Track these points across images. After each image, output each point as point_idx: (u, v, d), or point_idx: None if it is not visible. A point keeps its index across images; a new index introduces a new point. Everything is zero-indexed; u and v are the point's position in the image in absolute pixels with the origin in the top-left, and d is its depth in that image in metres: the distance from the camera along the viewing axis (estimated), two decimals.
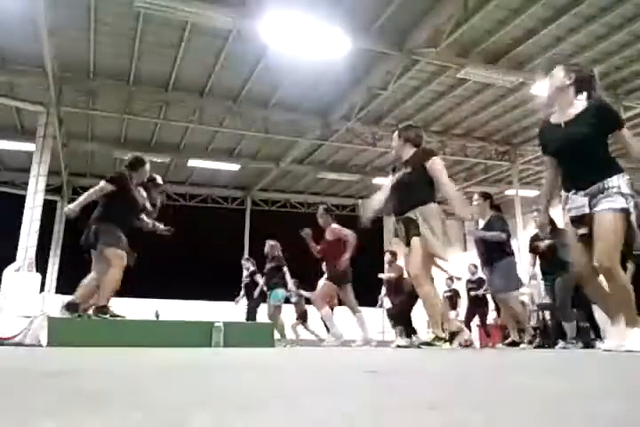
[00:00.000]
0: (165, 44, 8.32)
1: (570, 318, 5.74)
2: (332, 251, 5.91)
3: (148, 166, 4.93)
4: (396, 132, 4.06)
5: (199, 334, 4.40)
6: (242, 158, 12.91)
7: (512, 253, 5.35)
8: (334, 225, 6.05)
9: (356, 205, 16.63)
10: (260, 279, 8.16)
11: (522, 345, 5.39)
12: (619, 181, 2.80)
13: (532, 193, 14.80)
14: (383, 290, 8.32)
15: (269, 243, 8.02)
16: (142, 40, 8.15)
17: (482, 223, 5.48)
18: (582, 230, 2.91)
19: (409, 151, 3.97)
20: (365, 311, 6.89)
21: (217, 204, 15.60)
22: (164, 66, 9.00)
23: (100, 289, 4.50)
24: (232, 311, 8.90)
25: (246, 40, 7.92)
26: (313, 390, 0.83)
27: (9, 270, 8.08)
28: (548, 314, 7.38)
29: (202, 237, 13.19)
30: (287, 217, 14.68)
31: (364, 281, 8.47)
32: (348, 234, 5.89)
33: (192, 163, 12.66)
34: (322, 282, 6.37)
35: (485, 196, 5.53)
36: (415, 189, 3.78)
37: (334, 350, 4.45)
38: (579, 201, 2.88)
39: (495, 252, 5.23)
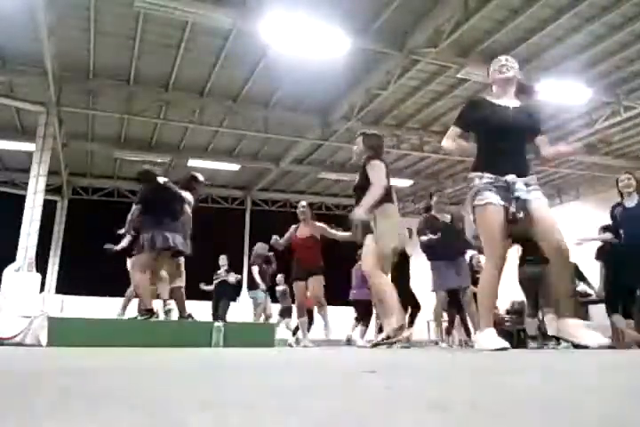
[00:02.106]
0: (165, 44, 8.32)
1: (532, 314, 5.84)
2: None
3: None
4: (361, 138, 4.25)
5: (199, 334, 4.40)
6: (242, 158, 12.91)
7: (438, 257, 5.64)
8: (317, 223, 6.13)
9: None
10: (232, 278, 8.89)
11: (442, 344, 5.48)
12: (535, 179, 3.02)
13: None
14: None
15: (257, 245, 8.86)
16: (142, 40, 8.14)
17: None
18: (519, 215, 2.90)
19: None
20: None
21: (217, 204, 15.59)
22: (164, 66, 9.00)
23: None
24: (232, 311, 8.92)
25: (246, 40, 7.92)
26: (313, 390, 0.83)
27: (9, 270, 8.07)
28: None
29: (201, 236, 13.17)
30: (287, 217, 14.64)
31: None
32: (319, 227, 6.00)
33: (192, 163, 12.63)
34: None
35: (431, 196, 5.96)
36: (363, 193, 4.00)
37: (332, 350, 4.45)
38: (520, 185, 2.96)
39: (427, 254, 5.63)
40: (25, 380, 0.99)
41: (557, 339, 6.08)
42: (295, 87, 9.55)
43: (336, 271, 10.04)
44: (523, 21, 7.68)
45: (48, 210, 10.52)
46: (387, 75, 8.94)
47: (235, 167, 13.03)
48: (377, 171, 3.95)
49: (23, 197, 9.07)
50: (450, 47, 8.09)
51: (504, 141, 3.00)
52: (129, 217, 5.18)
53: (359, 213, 3.83)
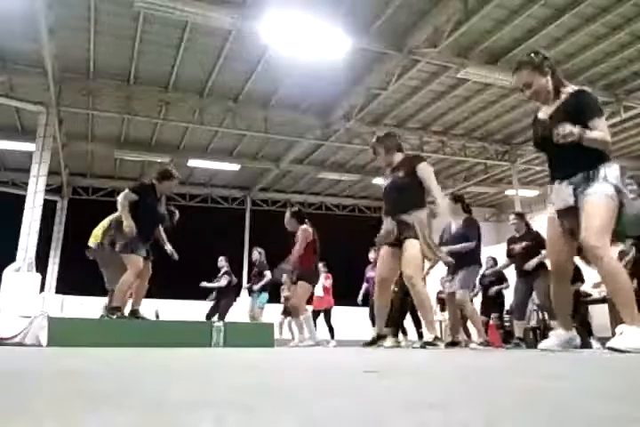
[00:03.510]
0: (165, 44, 8.33)
1: (523, 317, 5.88)
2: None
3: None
4: (378, 142, 4.24)
5: (199, 334, 4.40)
6: (242, 158, 12.92)
7: (477, 261, 5.35)
8: (303, 226, 5.99)
9: (355, 206, 16.62)
10: (223, 282, 8.81)
11: (472, 345, 5.33)
12: (604, 171, 2.69)
13: (532, 193, 14.80)
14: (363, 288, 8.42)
15: (257, 250, 8.82)
16: (142, 40, 8.15)
17: (454, 227, 5.44)
18: (569, 224, 2.80)
19: (397, 157, 4.18)
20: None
21: (217, 204, 15.59)
22: (164, 66, 9.00)
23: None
24: (232, 311, 8.92)
25: (246, 40, 7.93)
26: (313, 390, 0.83)
27: (9, 270, 8.08)
28: (547, 315, 7.39)
29: (202, 237, 13.18)
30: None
31: (360, 280, 8.56)
32: (300, 229, 5.74)
33: (192, 163, 12.66)
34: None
35: (456, 198, 5.48)
36: (408, 193, 3.98)
37: (332, 350, 4.46)
38: (563, 191, 2.81)
39: (462, 258, 5.17)
40: (25, 380, 0.99)
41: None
42: (295, 87, 9.56)
43: (344, 272, 10.06)
44: (523, 21, 7.68)
45: (48, 210, 10.52)
46: (387, 75, 8.94)
47: (235, 167, 13.04)
48: (431, 175, 3.99)
49: (23, 197, 9.07)
50: (450, 47, 8.10)
51: (550, 152, 2.97)
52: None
53: (445, 214, 3.90)
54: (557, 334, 3.08)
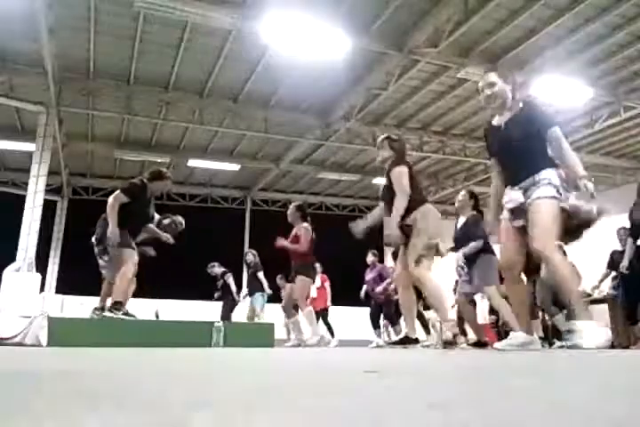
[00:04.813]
0: (165, 44, 8.32)
1: (552, 313, 6.14)
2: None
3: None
4: (387, 142, 4.22)
5: (199, 334, 4.41)
6: (242, 158, 12.91)
7: (490, 251, 5.30)
8: (304, 224, 6.06)
9: (355, 206, 16.62)
10: (231, 281, 9.10)
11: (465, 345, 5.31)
12: (549, 174, 2.94)
13: None
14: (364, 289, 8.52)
15: (251, 252, 9.14)
16: (142, 40, 8.15)
17: (461, 221, 5.43)
18: (519, 222, 3.03)
19: (389, 160, 4.17)
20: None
21: (217, 204, 15.59)
22: (164, 66, 9.00)
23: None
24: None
25: (246, 40, 7.92)
26: (313, 390, 0.83)
27: (9, 270, 8.08)
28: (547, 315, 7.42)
29: (202, 236, 13.18)
30: (287, 217, 14.59)
31: (360, 281, 8.59)
32: (302, 227, 5.91)
33: (192, 163, 12.65)
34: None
35: (472, 195, 5.49)
36: (392, 202, 3.96)
37: (332, 350, 4.46)
38: (514, 194, 3.05)
39: (473, 254, 5.19)
40: (25, 380, 0.99)
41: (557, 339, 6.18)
42: (295, 87, 9.55)
43: (343, 272, 10.04)
44: (523, 21, 7.68)
45: (48, 210, 10.51)
46: (387, 75, 8.94)
47: (235, 167, 13.03)
48: (399, 178, 3.92)
49: (23, 197, 9.06)
50: (450, 47, 8.09)
51: (502, 159, 3.21)
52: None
53: (394, 233, 3.80)
54: (516, 337, 3.10)
